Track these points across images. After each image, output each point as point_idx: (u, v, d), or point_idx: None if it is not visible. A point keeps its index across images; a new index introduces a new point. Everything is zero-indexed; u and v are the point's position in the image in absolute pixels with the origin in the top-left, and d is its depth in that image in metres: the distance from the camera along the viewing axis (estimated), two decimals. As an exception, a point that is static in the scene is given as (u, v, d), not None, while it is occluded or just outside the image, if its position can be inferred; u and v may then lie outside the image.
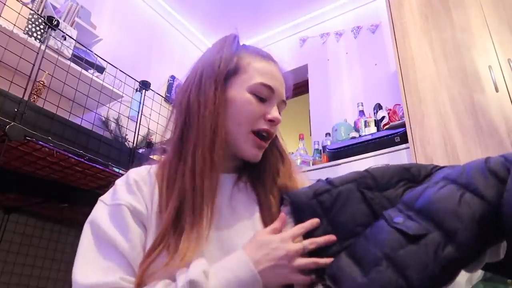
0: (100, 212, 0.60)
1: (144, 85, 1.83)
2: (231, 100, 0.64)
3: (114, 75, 1.72)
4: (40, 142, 1.18)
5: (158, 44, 2.84)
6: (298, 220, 0.58)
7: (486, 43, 1.63)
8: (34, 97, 1.47)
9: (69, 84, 1.49)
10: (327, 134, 2.29)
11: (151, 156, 1.36)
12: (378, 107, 2.17)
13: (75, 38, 1.73)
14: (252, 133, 0.65)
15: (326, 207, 0.58)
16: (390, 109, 2.07)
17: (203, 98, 0.63)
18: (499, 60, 1.57)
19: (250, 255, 0.53)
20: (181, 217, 0.57)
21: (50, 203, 1.61)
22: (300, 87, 2.92)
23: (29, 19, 1.62)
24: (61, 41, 1.67)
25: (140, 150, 1.87)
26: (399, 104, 2.04)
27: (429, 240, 0.46)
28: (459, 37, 1.71)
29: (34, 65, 1.29)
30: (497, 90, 1.53)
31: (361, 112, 2.22)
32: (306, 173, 1.72)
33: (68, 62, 1.62)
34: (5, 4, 1.50)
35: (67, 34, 1.67)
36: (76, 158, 1.28)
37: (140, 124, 1.72)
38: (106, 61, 1.72)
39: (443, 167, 0.60)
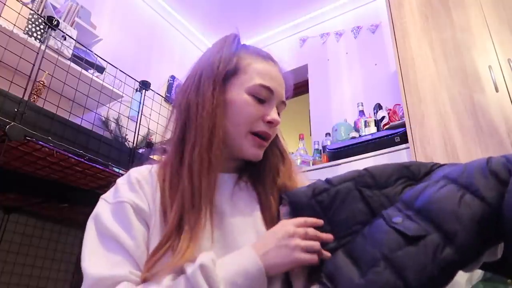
0: (103, 209, 0.60)
1: (144, 85, 1.83)
2: (229, 101, 0.64)
3: (114, 75, 1.72)
4: (40, 142, 1.18)
5: (158, 44, 2.84)
6: (296, 215, 0.59)
7: (486, 43, 1.63)
8: (34, 97, 1.47)
9: (69, 84, 1.49)
10: (327, 134, 2.29)
11: (151, 156, 1.36)
12: (378, 107, 2.17)
13: (75, 38, 1.73)
14: (250, 134, 0.65)
15: (324, 206, 0.58)
16: (390, 109, 2.07)
17: (201, 98, 0.63)
18: (499, 60, 1.57)
19: (255, 246, 0.54)
20: (183, 217, 0.57)
21: (50, 203, 1.61)
22: (300, 87, 2.92)
23: (29, 19, 1.62)
24: (61, 41, 1.67)
25: (140, 150, 1.87)
26: (399, 104, 2.04)
27: (428, 242, 0.46)
28: (459, 37, 1.71)
29: (34, 65, 1.29)
30: (497, 90, 1.53)
31: (361, 112, 2.22)
32: (306, 173, 1.72)
33: (68, 62, 1.62)
34: (5, 4, 1.50)
35: (67, 34, 1.67)
36: (76, 158, 1.28)
37: (140, 124, 1.72)
38: (106, 61, 1.72)
39: (444, 164, 0.60)
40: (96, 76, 1.81)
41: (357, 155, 1.90)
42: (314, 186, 0.61)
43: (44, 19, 1.47)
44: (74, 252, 1.93)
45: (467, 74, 1.63)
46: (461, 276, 0.62)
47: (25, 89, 1.21)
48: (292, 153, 2.33)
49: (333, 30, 2.80)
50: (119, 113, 1.83)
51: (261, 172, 0.69)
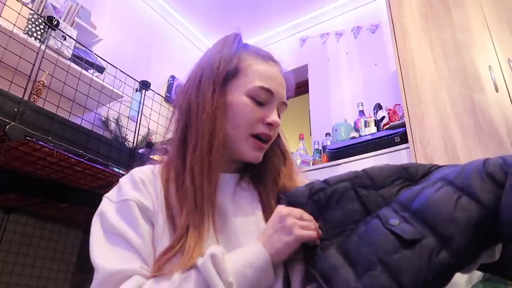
0: (107, 208, 0.59)
1: (144, 85, 1.83)
2: (230, 104, 0.64)
3: (114, 75, 1.72)
4: (40, 142, 1.18)
5: (158, 44, 2.84)
6: None
7: (486, 43, 1.63)
8: (34, 97, 1.47)
9: (69, 84, 1.49)
10: (327, 134, 2.29)
11: (151, 156, 1.36)
12: (378, 107, 2.17)
13: (75, 38, 1.73)
14: (251, 136, 0.65)
15: (320, 205, 0.59)
16: (390, 109, 2.07)
17: (202, 100, 0.63)
18: (499, 60, 1.57)
19: (259, 239, 0.56)
20: (189, 218, 0.57)
21: (50, 203, 1.61)
22: (300, 87, 2.92)
23: (29, 19, 1.62)
24: (61, 41, 1.67)
25: (140, 150, 1.87)
26: (399, 104, 2.04)
27: (424, 245, 0.46)
28: (459, 37, 1.71)
29: (34, 65, 1.29)
30: (497, 90, 1.53)
31: (361, 112, 2.22)
32: (306, 173, 1.72)
33: (68, 62, 1.62)
34: (5, 4, 1.50)
35: (67, 34, 1.67)
36: (76, 158, 1.28)
37: (140, 124, 1.72)
38: (106, 61, 1.72)
39: (442, 166, 0.60)
40: (96, 76, 1.81)
41: (357, 155, 1.90)
42: (311, 186, 0.63)
43: (44, 19, 1.47)
44: (74, 252, 1.93)
45: (467, 74, 1.63)
46: (461, 277, 0.62)
47: (25, 89, 1.21)
48: (292, 153, 2.32)
49: (333, 30, 2.80)
50: (119, 113, 1.83)
51: (262, 172, 0.69)
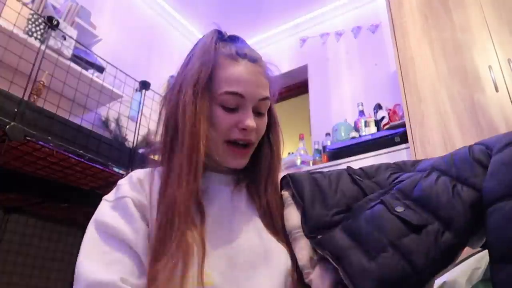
0: (103, 208, 0.60)
1: (144, 85, 1.83)
2: (206, 114, 0.62)
3: (114, 75, 1.72)
4: (40, 142, 1.18)
5: (158, 44, 2.83)
6: (298, 191, 0.63)
7: (486, 43, 1.63)
8: (34, 97, 1.47)
9: (69, 84, 1.49)
10: (327, 134, 2.29)
11: (151, 156, 1.36)
12: (378, 107, 2.17)
13: (75, 38, 1.73)
14: (228, 143, 0.63)
15: (319, 184, 0.63)
16: (390, 109, 2.07)
17: (181, 110, 0.62)
18: (499, 60, 1.57)
19: None
20: (173, 224, 0.56)
21: (50, 203, 1.61)
22: (300, 87, 2.92)
23: (29, 19, 1.62)
24: (61, 41, 1.67)
25: (140, 150, 1.87)
26: (399, 104, 2.04)
27: (429, 229, 0.51)
28: (459, 37, 1.71)
29: (34, 65, 1.29)
30: (497, 90, 1.53)
31: (361, 112, 2.21)
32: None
33: (68, 62, 1.62)
34: (5, 4, 1.50)
35: (67, 34, 1.67)
36: (76, 158, 1.28)
37: (140, 124, 1.72)
38: (106, 61, 1.72)
39: (423, 160, 0.67)
40: (96, 76, 1.81)
41: (357, 155, 1.90)
42: (308, 171, 0.68)
43: (44, 19, 1.47)
44: (74, 252, 1.93)
45: (467, 74, 1.63)
46: (461, 277, 0.63)
47: (25, 89, 1.21)
48: (292, 153, 2.33)
49: (333, 30, 2.79)
50: (119, 113, 1.83)
51: (258, 171, 0.68)
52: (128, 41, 2.56)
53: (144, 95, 1.83)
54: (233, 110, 0.62)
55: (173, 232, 0.54)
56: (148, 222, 0.59)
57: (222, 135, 0.62)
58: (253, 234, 0.61)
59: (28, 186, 1.46)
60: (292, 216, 0.61)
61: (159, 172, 0.65)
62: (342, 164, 1.92)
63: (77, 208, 1.62)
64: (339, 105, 2.53)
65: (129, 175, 0.65)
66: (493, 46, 1.61)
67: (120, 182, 0.64)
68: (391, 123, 1.93)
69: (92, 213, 0.61)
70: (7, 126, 1.09)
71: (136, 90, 1.99)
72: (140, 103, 1.81)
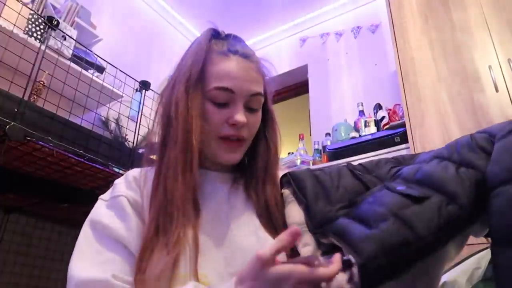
0: (99, 208, 0.60)
1: (144, 85, 1.83)
2: (198, 109, 0.62)
3: (114, 75, 1.72)
4: (40, 142, 1.18)
5: (158, 44, 2.83)
6: (299, 188, 0.62)
7: (486, 43, 1.63)
8: (34, 97, 1.47)
9: (69, 84, 1.49)
10: (327, 134, 2.29)
11: (151, 156, 1.36)
12: (378, 107, 2.17)
13: (75, 38, 1.73)
14: (220, 138, 0.63)
15: (320, 180, 0.62)
16: (390, 109, 2.07)
17: (174, 108, 0.62)
18: (499, 60, 1.57)
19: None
20: (170, 218, 0.56)
21: (50, 203, 1.61)
22: (300, 87, 2.92)
23: (29, 19, 1.62)
24: (61, 41, 1.67)
25: (140, 150, 1.87)
26: (399, 104, 2.04)
27: (432, 201, 0.50)
28: (459, 37, 1.71)
29: (34, 65, 1.29)
30: (497, 90, 1.53)
31: (361, 112, 2.21)
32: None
33: (68, 62, 1.62)
34: (5, 4, 1.50)
35: (67, 34, 1.67)
36: (76, 158, 1.28)
37: (140, 124, 1.72)
38: (106, 61, 1.72)
39: (421, 153, 0.66)
40: (96, 76, 1.81)
41: (357, 155, 1.90)
42: (307, 168, 0.67)
43: (44, 19, 1.47)
44: (74, 252, 1.93)
45: (467, 74, 1.63)
46: (461, 276, 0.62)
47: (25, 89, 1.21)
48: (292, 153, 2.33)
49: (333, 30, 2.80)
50: (119, 113, 1.83)
51: (254, 169, 0.68)
52: (128, 41, 2.56)
53: (144, 95, 1.83)
54: (224, 105, 0.62)
55: (167, 227, 0.55)
56: (144, 220, 0.59)
57: (214, 130, 0.63)
58: (250, 233, 0.61)
59: (28, 186, 1.46)
60: (294, 213, 0.61)
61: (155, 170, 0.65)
62: (342, 164, 1.92)
63: (77, 208, 1.62)
64: (339, 105, 2.53)
65: (125, 174, 0.65)
66: (493, 46, 1.61)
67: (116, 181, 0.64)
68: (391, 123, 1.93)
69: (92, 213, 0.61)
70: (7, 126, 1.08)
71: (136, 90, 1.99)
72: (140, 103, 1.81)
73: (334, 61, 2.72)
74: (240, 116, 0.61)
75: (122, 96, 1.87)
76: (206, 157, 0.65)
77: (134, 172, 0.65)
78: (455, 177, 0.52)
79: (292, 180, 0.64)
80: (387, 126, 1.94)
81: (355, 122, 2.20)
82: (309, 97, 2.74)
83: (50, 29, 1.49)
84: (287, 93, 3.00)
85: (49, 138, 1.20)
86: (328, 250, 0.53)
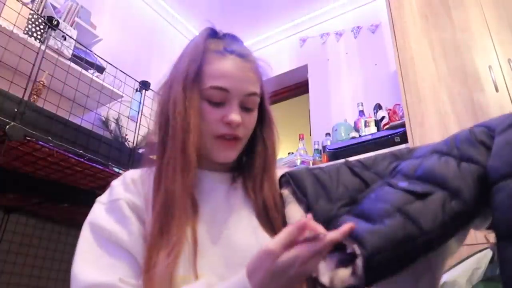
0: (98, 211, 0.60)
1: (144, 85, 1.83)
2: (195, 108, 0.62)
3: (114, 75, 1.72)
4: (40, 142, 1.18)
5: (158, 44, 2.83)
6: (299, 188, 0.61)
7: (486, 43, 1.63)
8: (34, 97, 1.47)
9: (69, 84, 1.49)
10: (327, 134, 2.29)
11: (151, 156, 1.36)
12: (378, 107, 2.17)
13: (75, 38, 1.73)
14: (216, 137, 0.63)
15: (319, 178, 0.62)
16: (390, 109, 2.07)
17: (172, 107, 0.62)
18: (499, 60, 1.57)
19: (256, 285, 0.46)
20: (167, 221, 0.56)
21: (50, 203, 1.60)
22: (300, 87, 2.92)
23: (29, 19, 1.62)
24: (61, 41, 1.67)
25: (140, 150, 1.87)
26: (399, 104, 2.04)
27: (435, 197, 0.50)
28: (459, 37, 1.71)
29: (34, 65, 1.29)
30: (497, 90, 1.53)
31: (361, 112, 2.21)
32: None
33: (68, 62, 1.62)
34: (5, 4, 1.50)
35: (67, 34, 1.67)
36: (76, 158, 1.28)
37: (140, 124, 1.72)
38: (106, 61, 1.72)
39: (418, 147, 0.66)
40: (96, 76, 1.81)
41: (357, 155, 1.90)
42: (306, 167, 0.66)
43: (44, 19, 1.47)
44: (74, 252, 1.93)
45: (467, 74, 1.63)
46: (461, 277, 0.62)
47: (25, 89, 1.21)
48: (292, 153, 2.33)
49: (333, 30, 2.79)
50: (119, 113, 1.83)
51: (252, 169, 0.68)
52: (128, 41, 2.56)
53: (144, 95, 1.83)
54: (219, 104, 0.62)
55: (168, 227, 0.55)
56: (144, 222, 0.59)
57: (211, 130, 0.63)
58: (249, 233, 0.61)
59: (28, 186, 1.46)
60: (295, 213, 0.61)
61: (154, 171, 0.65)
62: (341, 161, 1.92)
63: (77, 208, 1.62)
64: (339, 105, 2.53)
65: (122, 175, 0.65)
66: (493, 46, 1.61)
67: (113, 183, 0.64)
68: (391, 123, 1.93)
69: (92, 214, 0.61)
70: (7, 126, 1.08)
71: (136, 90, 1.99)
72: (140, 103, 1.81)
73: (334, 61, 2.72)
74: (235, 116, 0.62)
75: (122, 96, 1.87)
76: (204, 157, 0.65)
77: (132, 173, 0.65)
78: (457, 172, 0.52)
79: (291, 179, 0.63)
80: (387, 126, 1.94)
81: (355, 122, 2.20)
82: (309, 97, 2.74)
83: (50, 29, 1.49)
84: (287, 93, 3.00)
85: (49, 138, 1.20)
86: (331, 249, 0.53)
